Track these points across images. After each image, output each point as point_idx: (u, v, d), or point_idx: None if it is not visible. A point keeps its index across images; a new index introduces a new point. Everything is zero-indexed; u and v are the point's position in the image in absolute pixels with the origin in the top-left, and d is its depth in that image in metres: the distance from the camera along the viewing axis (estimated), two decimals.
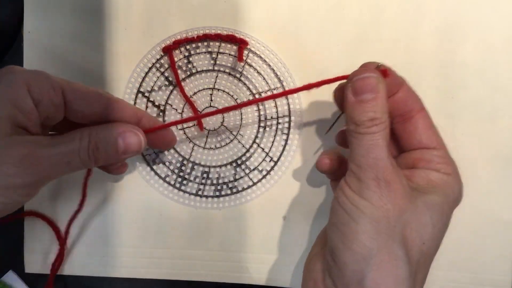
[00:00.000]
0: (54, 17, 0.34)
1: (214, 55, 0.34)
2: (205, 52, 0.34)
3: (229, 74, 0.34)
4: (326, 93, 0.34)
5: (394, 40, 0.33)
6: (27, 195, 0.26)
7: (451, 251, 0.34)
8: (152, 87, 0.34)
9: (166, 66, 0.34)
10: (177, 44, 0.33)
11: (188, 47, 0.34)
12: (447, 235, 0.34)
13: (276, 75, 0.34)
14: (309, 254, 0.29)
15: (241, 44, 0.33)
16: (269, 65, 0.34)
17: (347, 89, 0.26)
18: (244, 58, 0.34)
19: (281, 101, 0.34)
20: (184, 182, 0.35)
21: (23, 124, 0.25)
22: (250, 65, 0.34)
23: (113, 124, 0.28)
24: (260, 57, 0.34)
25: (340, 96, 0.28)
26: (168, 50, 0.34)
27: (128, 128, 0.28)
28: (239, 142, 0.35)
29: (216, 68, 0.34)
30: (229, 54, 0.34)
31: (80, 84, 0.28)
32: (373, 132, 0.24)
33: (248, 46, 0.34)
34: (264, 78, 0.34)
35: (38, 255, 0.35)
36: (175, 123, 0.31)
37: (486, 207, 0.33)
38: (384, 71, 0.26)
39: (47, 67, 0.34)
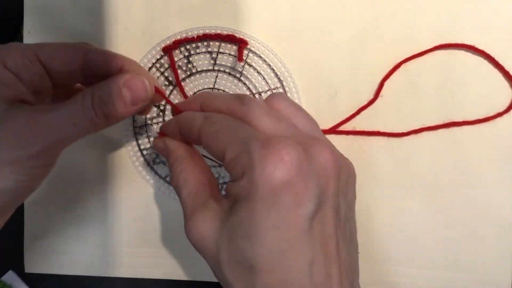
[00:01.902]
0: (54, 17, 0.34)
1: (214, 55, 0.34)
2: (205, 52, 0.34)
3: (229, 74, 0.34)
4: (326, 92, 0.34)
5: (394, 40, 0.33)
6: (43, 167, 0.25)
7: (450, 251, 0.34)
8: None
9: (166, 66, 0.34)
10: (177, 44, 0.33)
11: (188, 47, 0.34)
12: (447, 235, 0.34)
13: (276, 75, 0.34)
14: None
15: (241, 44, 0.33)
16: (269, 65, 0.34)
17: None
18: (244, 58, 0.34)
19: None
20: None
21: (16, 97, 0.25)
22: (250, 65, 0.34)
23: (114, 77, 0.26)
24: (260, 57, 0.34)
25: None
26: (168, 50, 0.33)
27: (130, 76, 0.26)
28: None
29: (216, 68, 0.34)
30: (229, 54, 0.34)
31: (55, 43, 0.27)
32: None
33: (248, 46, 0.33)
34: (264, 78, 0.34)
35: (38, 255, 0.35)
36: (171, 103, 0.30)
37: (486, 207, 0.33)
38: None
39: None
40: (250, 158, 0.22)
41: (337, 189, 0.23)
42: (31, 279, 0.36)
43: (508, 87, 0.33)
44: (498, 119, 0.33)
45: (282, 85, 0.34)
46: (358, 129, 0.34)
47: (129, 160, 0.35)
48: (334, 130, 0.34)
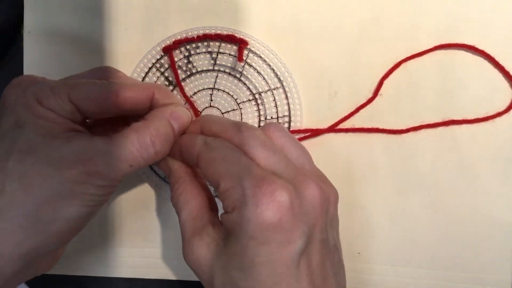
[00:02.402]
0: (54, 17, 0.34)
1: (214, 55, 0.34)
2: (205, 52, 0.34)
3: (229, 74, 0.34)
4: (326, 92, 0.34)
5: (394, 40, 0.33)
6: (109, 194, 0.26)
7: (450, 251, 0.34)
8: None
9: (166, 66, 0.34)
10: (177, 44, 0.33)
11: (188, 47, 0.34)
12: (447, 235, 0.34)
13: (276, 75, 0.34)
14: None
15: (241, 44, 0.33)
16: (269, 65, 0.34)
17: None
18: (244, 58, 0.34)
19: (281, 101, 0.34)
20: None
21: (66, 128, 0.25)
22: (250, 65, 0.34)
23: (156, 111, 0.27)
24: (260, 57, 0.34)
25: None
26: (168, 50, 0.33)
27: (172, 108, 0.27)
28: None
29: (216, 68, 0.34)
30: (229, 54, 0.34)
31: (86, 83, 0.26)
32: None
33: (248, 46, 0.33)
34: (264, 78, 0.34)
35: None
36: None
37: (486, 207, 0.33)
38: None
39: (47, 67, 0.34)
40: (243, 195, 0.23)
41: (325, 223, 0.25)
42: (31, 279, 0.36)
43: (508, 87, 0.33)
44: (498, 119, 0.33)
45: (282, 85, 0.34)
46: (357, 127, 0.34)
47: None
48: (333, 128, 0.34)
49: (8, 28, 0.35)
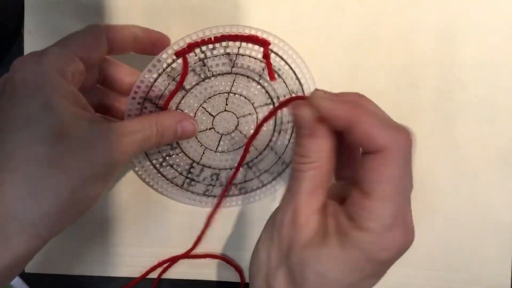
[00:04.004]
0: (54, 17, 0.34)
1: (232, 57, 0.31)
2: (222, 54, 0.31)
3: (248, 77, 0.32)
4: (325, 87, 0.34)
5: (394, 41, 0.33)
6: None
7: (449, 251, 0.34)
8: (163, 92, 0.31)
9: (180, 69, 0.31)
10: (192, 47, 0.30)
11: (204, 49, 0.31)
12: (446, 235, 0.34)
13: (297, 78, 0.32)
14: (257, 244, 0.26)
15: (264, 45, 0.31)
16: (291, 67, 0.32)
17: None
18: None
19: None
20: (192, 183, 0.34)
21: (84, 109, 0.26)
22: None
23: (172, 113, 0.31)
24: (282, 58, 0.32)
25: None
26: (181, 54, 0.30)
27: (185, 117, 0.31)
28: (252, 145, 0.33)
29: (234, 70, 0.32)
30: (250, 56, 0.31)
31: (78, 34, 0.28)
32: (301, 170, 0.23)
33: (270, 47, 0.31)
34: (283, 81, 0.32)
35: (38, 255, 0.35)
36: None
37: (485, 207, 0.34)
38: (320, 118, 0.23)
39: None
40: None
41: None
42: (31, 279, 0.36)
43: (508, 87, 0.33)
44: (498, 119, 0.33)
45: (302, 89, 0.32)
46: None
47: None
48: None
49: (8, 28, 0.35)
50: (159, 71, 0.31)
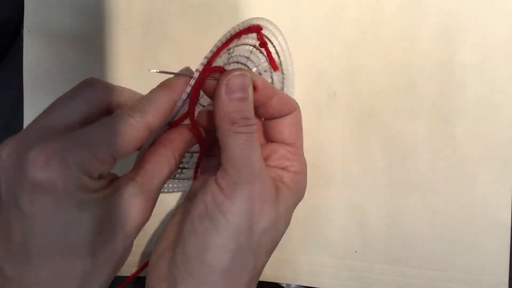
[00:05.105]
0: (54, 17, 0.34)
1: (230, 51, 0.29)
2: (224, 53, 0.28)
3: (244, 65, 0.30)
4: (325, 93, 0.34)
5: (393, 41, 0.33)
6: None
7: (448, 251, 0.34)
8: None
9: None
10: (210, 66, 0.26)
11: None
12: (444, 235, 0.34)
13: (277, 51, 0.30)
14: (156, 250, 0.27)
15: (258, 30, 0.28)
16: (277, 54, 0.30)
17: (221, 86, 0.24)
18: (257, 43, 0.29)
19: None
20: (184, 171, 0.32)
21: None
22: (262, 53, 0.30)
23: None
24: (272, 43, 0.29)
25: (211, 89, 0.25)
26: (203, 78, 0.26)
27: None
28: None
29: (232, 60, 0.29)
30: (244, 44, 0.29)
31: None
32: (250, 132, 0.24)
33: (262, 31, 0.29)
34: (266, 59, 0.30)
35: None
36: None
37: (485, 207, 0.34)
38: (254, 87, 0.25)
39: (47, 67, 0.34)
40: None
41: None
42: None
43: (507, 87, 0.33)
44: (498, 119, 0.33)
45: (283, 83, 0.31)
46: (356, 129, 0.34)
47: (130, 160, 0.35)
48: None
49: (8, 28, 0.35)
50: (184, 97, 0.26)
